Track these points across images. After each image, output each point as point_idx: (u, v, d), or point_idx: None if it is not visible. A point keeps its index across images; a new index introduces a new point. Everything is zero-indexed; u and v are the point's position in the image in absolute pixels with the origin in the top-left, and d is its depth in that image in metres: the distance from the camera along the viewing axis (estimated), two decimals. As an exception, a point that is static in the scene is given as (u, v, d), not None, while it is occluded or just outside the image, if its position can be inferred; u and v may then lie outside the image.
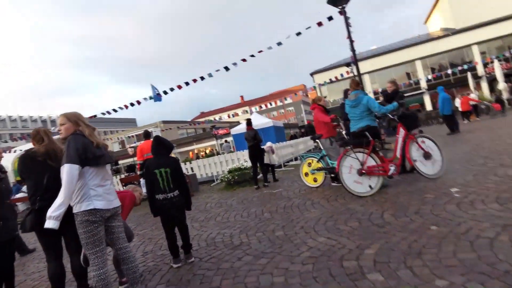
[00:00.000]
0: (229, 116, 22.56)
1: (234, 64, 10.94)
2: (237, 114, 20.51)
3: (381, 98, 5.92)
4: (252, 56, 10.77)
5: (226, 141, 22.14)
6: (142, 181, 8.74)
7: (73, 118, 2.33)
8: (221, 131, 28.72)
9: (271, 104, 19.73)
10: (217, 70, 11.06)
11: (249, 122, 7.46)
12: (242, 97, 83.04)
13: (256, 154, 7.19)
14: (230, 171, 8.05)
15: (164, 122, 40.79)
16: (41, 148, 2.55)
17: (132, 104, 12.52)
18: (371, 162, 4.54)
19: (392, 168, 4.48)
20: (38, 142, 2.65)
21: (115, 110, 12.62)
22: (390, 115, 4.82)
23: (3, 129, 63.34)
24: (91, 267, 2.24)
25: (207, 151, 31.10)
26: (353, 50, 8.01)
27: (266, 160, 7.50)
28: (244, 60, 10.87)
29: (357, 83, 5.01)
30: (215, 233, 4.13)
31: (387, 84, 5.96)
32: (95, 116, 12.73)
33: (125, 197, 3.05)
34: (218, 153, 21.55)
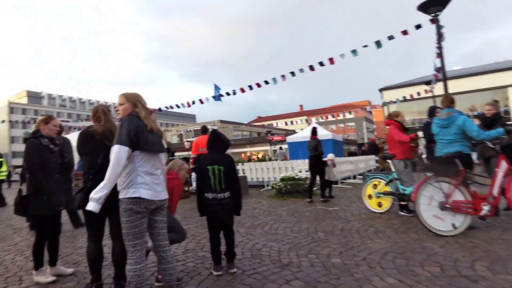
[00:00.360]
0: (286, 124, 22.23)
1: (301, 70, 10.62)
2: (297, 122, 20.10)
3: (476, 122, 5.02)
4: (321, 64, 10.37)
5: (280, 148, 21.84)
6: (194, 175, 8.84)
7: (132, 99, 2.22)
8: (276, 138, 28.52)
9: (333, 117, 18.84)
10: (282, 76, 10.86)
11: (314, 131, 7.02)
12: (301, 106, 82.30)
13: (317, 165, 6.73)
14: (282, 179, 7.69)
15: (222, 121, 42.15)
16: (99, 128, 2.51)
17: (193, 102, 12.99)
18: (458, 196, 3.78)
19: (485, 208, 3.67)
20: (97, 120, 2.61)
21: (177, 106, 13.22)
22: (490, 143, 4.00)
23: (83, 110, 72.01)
24: (128, 260, 2.08)
25: (259, 156, 31.17)
26: (442, 64, 7.11)
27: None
28: (311, 67, 10.49)
29: (451, 100, 4.26)
30: (261, 244, 3.80)
31: (485, 107, 5.04)
32: (159, 109, 13.49)
33: (173, 188, 2.87)
34: (270, 159, 21.35)
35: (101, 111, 2.63)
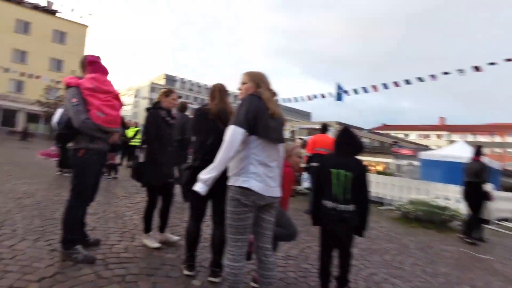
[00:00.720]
0: (422, 137, 19.57)
1: (460, 71, 8.97)
2: (438, 137, 17.48)
3: None
4: (492, 64, 8.52)
5: (411, 163, 19.47)
6: (305, 175, 8.60)
7: (256, 78, 2.10)
8: (403, 151, 25.58)
9: (491, 137, 15.42)
10: (431, 75, 9.42)
11: (478, 151, 5.68)
12: (442, 118, 71.74)
13: (476, 196, 5.49)
14: (412, 202, 6.61)
15: (340, 123, 40.64)
16: (214, 108, 2.52)
17: (315, 96, 12.68)
18: None
19: None
20: (212, 99, 2.61)
21: (296, 100, 13.21)
22: None
23: (207, 95, 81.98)
24: (227, 254, 1.97)
25: (379, 168, 28.70)
26: None
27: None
28: (476, 68, 8.73)
29: None
30: (380, 277, 3.22)
31: None
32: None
33: (283, 178, 2.59)
34: (391, 174, 19.29)
35: (217, 90, 2.63)
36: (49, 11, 33.61)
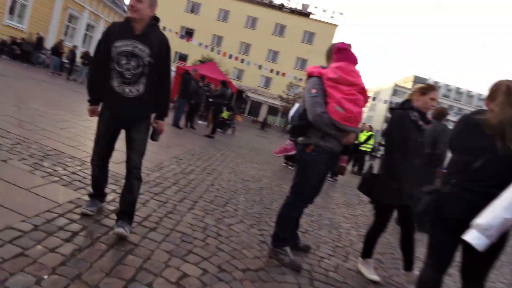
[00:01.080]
0: None
1: None
2: None
3: None
4: None
5: None
6: None
7: None
8: None
9: None
10: None
11: None
12: None
13: None
14: None
15: None
16: (493, 119, 1.84)
17: None
18: None
19: None
20: (491, 104, 1.92)
21: None
22: None
23: (468, 105, 71.83)
24: None
25: None
26: None
27: None
28: None
29: None
30: None
31: None
32: None
33: None
34: None
35: (502, 90, 1.88)
36: (303, 14, 39.53)
